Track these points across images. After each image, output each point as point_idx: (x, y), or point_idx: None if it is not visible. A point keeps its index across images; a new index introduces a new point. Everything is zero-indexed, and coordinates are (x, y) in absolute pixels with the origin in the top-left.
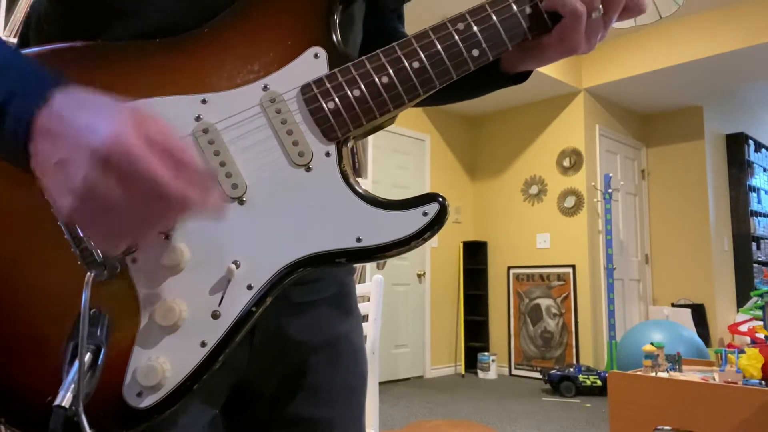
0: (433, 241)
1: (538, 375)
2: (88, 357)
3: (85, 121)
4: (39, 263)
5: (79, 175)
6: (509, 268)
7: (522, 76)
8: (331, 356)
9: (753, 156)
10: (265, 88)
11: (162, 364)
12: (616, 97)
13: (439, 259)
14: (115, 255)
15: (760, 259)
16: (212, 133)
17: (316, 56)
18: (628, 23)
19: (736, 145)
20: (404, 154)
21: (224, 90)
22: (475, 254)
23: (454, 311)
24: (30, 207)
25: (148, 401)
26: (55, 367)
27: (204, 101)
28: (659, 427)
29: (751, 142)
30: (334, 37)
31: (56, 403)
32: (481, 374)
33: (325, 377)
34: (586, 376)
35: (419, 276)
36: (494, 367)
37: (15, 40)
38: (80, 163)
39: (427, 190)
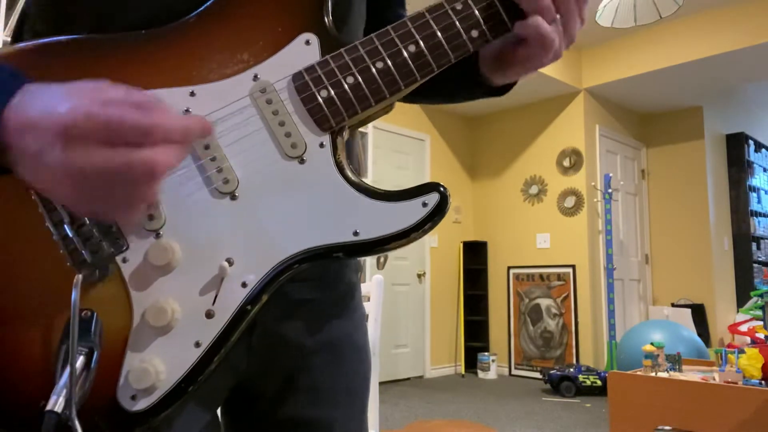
0: (433, 241)
1: (538, 375)
2: (80, 360)
3: (42, 107)
4: (29, 267)
5: (57, 158)
6: (509, 268)
7: (502, 90)
8: (332, 357)
9: (753, 156)
10: (255, 78)
11: (156, 366)
12: (616, 97)
13: (439, 259)
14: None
15: (760, 259)
16: None
17: (307, 42)
18: (628, 23)
19: (736, 145)
20: (404, 154)
21: (213, 81)
22: (475, 254)
23: (454, 311)
24: (17, 212)
25: (142, 404)
26: (48, 370)
27: (192, 93)
28: (659, 427)
29: (751, 142)
30: (326, 22)
31: (48, 408)
32: (481, 374)
33: (326, 378)
34: (586, 376)
35: (419, 276)
36: (494, 367)
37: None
38: (52, 146)
39: None
